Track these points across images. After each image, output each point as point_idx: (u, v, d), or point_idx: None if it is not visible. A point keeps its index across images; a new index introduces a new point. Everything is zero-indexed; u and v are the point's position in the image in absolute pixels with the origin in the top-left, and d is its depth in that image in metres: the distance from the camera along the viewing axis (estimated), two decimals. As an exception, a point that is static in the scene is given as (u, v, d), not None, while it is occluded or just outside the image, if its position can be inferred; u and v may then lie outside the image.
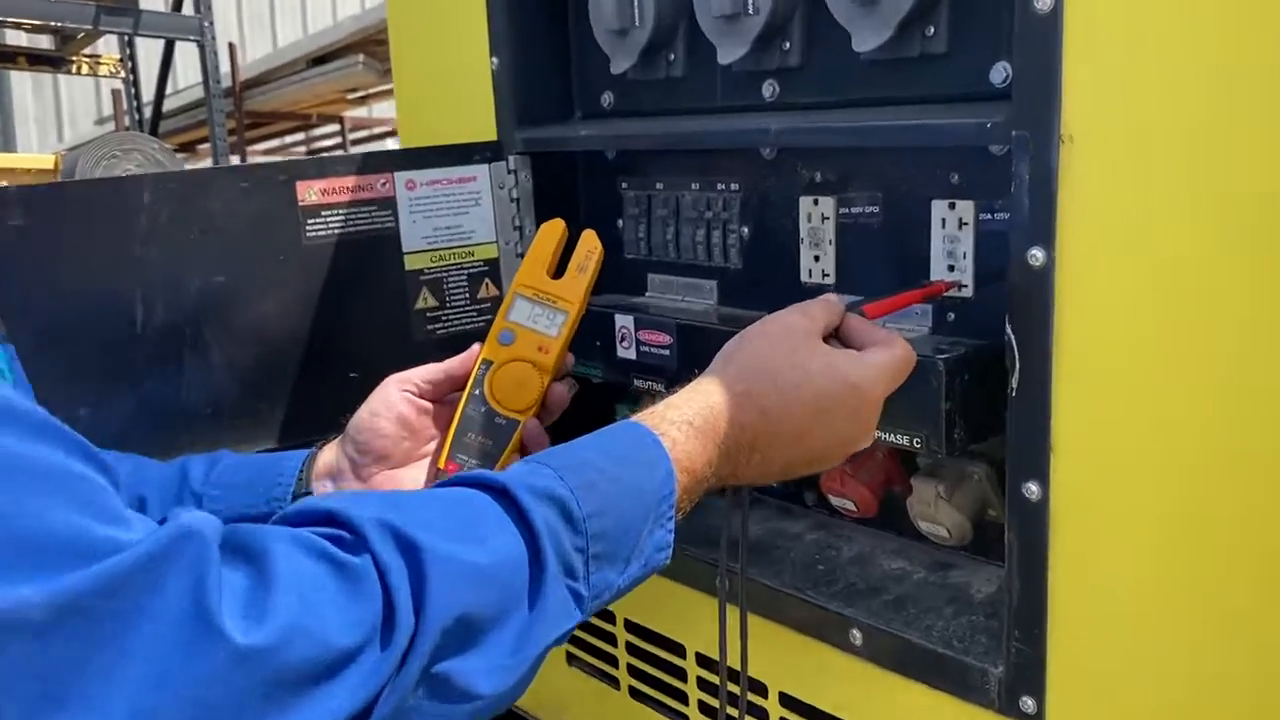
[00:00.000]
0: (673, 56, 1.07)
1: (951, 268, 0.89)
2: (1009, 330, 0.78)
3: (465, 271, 1.17)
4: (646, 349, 1.07)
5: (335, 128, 8.95)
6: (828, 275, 0.99)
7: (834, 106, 0.97)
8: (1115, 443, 0.74)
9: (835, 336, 0.78)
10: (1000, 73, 0.83)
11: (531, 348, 0.89)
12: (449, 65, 1.24)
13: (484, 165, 1.17)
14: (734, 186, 1.06)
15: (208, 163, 7.00)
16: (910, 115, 0.84)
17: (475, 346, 0.92)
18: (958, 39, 0.86)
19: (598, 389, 1.22)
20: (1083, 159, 0.72)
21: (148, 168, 4.80)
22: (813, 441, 0.71)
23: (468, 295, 1.17)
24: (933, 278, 0.90)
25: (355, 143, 8.70)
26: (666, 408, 0.69)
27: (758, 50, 0.97)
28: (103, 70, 6.60)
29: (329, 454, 0.89)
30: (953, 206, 0.88)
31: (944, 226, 0.89)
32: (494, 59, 1.16)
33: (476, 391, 0.89)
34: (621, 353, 1.10)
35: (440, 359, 0.92)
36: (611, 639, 1.21)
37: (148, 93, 6.34)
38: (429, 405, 0.91)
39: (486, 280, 1.19)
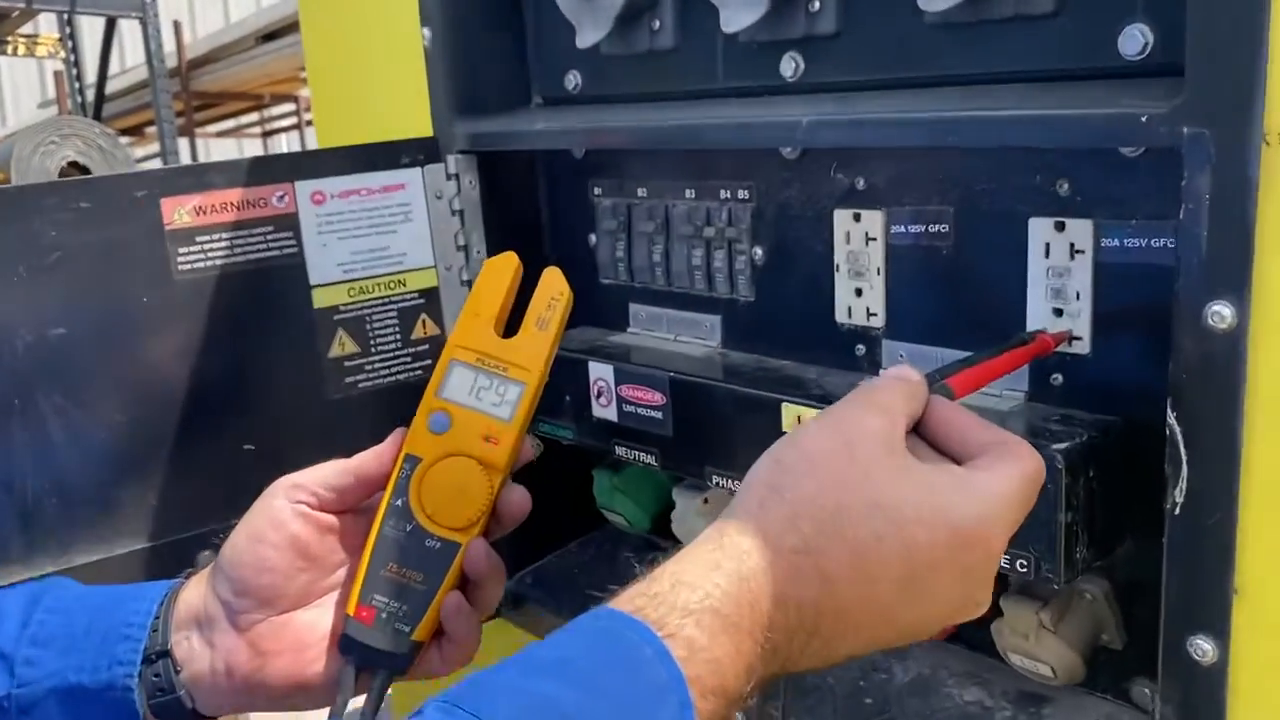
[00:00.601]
0: (658, 24, 0.81)
1: (1059, 312, 0.64)
2: (1172, 420, 0.53)
3: (394, 307, 0.91)
4: (632, 409, 0.82)
5: (290, 107, 8.60)
6: (874, 315, 0.74)
7: (880, 88, 0.71)
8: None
9: (917, 432, 0.52)
10: (1135, 40, 0.57)
11: (474, 437, 0.63)
12: (369, 41, 0.97)
13: (416, 169, 0.90)
14: (743, 194, 0.81)
15: (155, 147, 6.66)
16: (1010, 101, 0.58)
17: (397, 434, 0.66)
18: (1069, -9, 0.60)
19: (570, 451, 0.96)
20: (1302, 169, 0.47)
21: (88, 154, 4.49)
22: (902, 618, 0.48)
23: (398, 337, 0.91)
24: (1030, 327, 0.65)
25: (313, 123, 8.34)
26: (675, 584, 0.44)
27: (775, 13, 0.71)
28: (40, 51, 6.25)
29: (194, 592, 0.64)
30: (1061, 228, 0.63)
31: (1048, 255, 0.64)
32: (425, 31, 0.89)
33: (398, 502, 0.63)
34: (599, 411, 0.84)
35: (348, 453, 0.66)
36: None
37: (91, 74, 6.00)
38: (333, 520, 0.64)
39: (423, 317, 0.92)
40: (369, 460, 0.65)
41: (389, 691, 0.64)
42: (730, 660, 0.43)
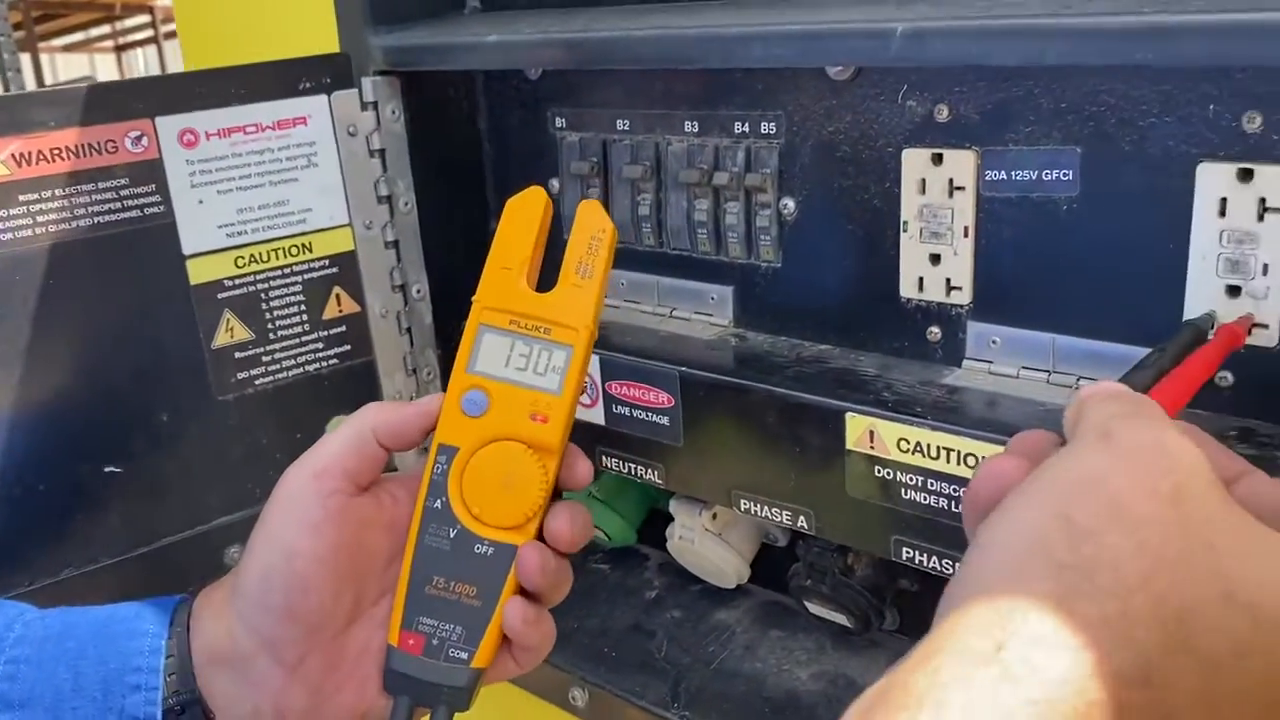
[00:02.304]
0: (649, -104, 0.60)
1: (1235, 290, 0.48)
2: None
3: (298, 279, 0.69)
4: (625, 410, 0.63)
5: (145, 19, 7.91)
6: (957, 289, 0.56)
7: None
8: None
9: None
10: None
11: (519, 415, 0.51)
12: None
13: (320, 97, 0.68)
14: (767, 128, 0.61)
15: (-9, 64, 5.99)
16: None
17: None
18: None
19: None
20: None
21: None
22: None
23: (305, 317, 0.70)
24: (1191, 308, 0.49)
25: (171, 36, 7.67)
26: None
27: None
28: None
29: (215, 625, 0.49)
30: (1248, 176, 0.46)
31: (1224, 214, 0.47)
32: (324, -93, 0.67)
33: (436, 504, 0.51)
34: (580, 412, 0.65)
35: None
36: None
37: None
38: (376, 500, 0.52)
39: (338, 290, 0.71)
40: (407, 416, 0.51)
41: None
42: None
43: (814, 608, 0.66)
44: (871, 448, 0.53)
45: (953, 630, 0.28)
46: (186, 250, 0.65)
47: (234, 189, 0.66)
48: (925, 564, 0.53)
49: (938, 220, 0.55)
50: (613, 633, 0.75)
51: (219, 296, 0.67)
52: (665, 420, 0.62)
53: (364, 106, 0.69)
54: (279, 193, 0.67)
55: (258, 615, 0.49)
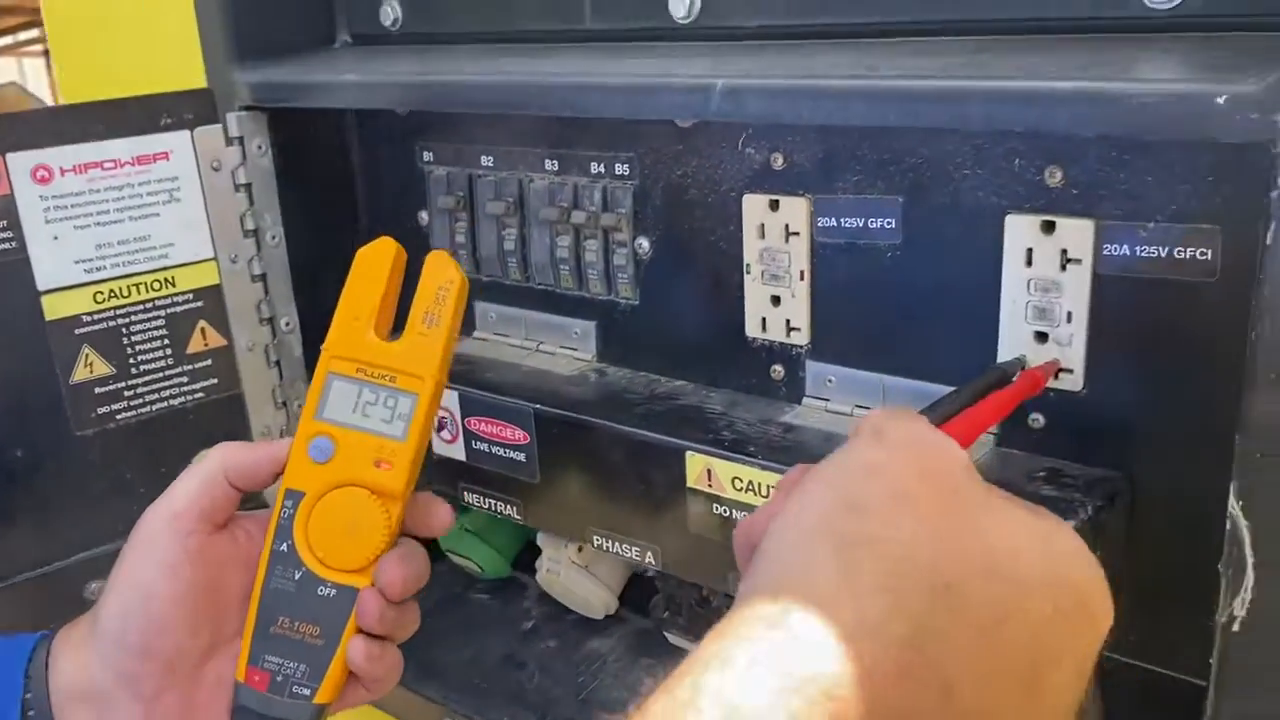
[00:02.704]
0: (503, -59, 0.61)
1: (1043, 337, 0.50)
2: (1235, 509, 0.39)
3: (161, 313, 0.69)
4: (484, 446, 0.64)
5: (76, 24, 7.76)
6: (796, 330, 0.58)
7: (800, 35, 0.54)
8: None
9: None
10: (1163, -20, 0.42)
11: (364, 462, 0.52)
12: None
13: (183, 132, 0.68)
14: (621, 169, 0.63)
15: (-89, 69, 5.84)
16: (1015, 65, 0.42)
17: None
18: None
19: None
20: None
21: None
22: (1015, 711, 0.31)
23: (169, 352, 0.70)
24: (1004, 354, 0.51)
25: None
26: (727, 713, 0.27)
27: (666, -70, 0.52)
28: None
29: (73, 663, 0.50)
30: (1050, 229, 0.48)
31: (1030, 263, 0.49)
32: (188, -58, 0.67)
33: (282, 547, 0.53)
34: (441, 448, 0.66)
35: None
36: None
37: None
38: (231, 536, 0.53)
39: (202, 324, 0.71)
40: (258, 458, 0.52)
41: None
42: None
43: (673, 638, 0.67)
44: (710, 485, 0.55)
45: (747, 600, 0.31)
46: (41, 286, 0.64)
47: (92, 224, 0.66)
48: (762, 599, 0.54)
49: (776, 263, 0.57)
50: (486, 664, 0.75)
51: (76, 332, 0.66)
52: (522, 457, 0.62)
53: (229, 142, 0.69)
54: (140, 228, 0.67)
55: (116, 653, 0.49)
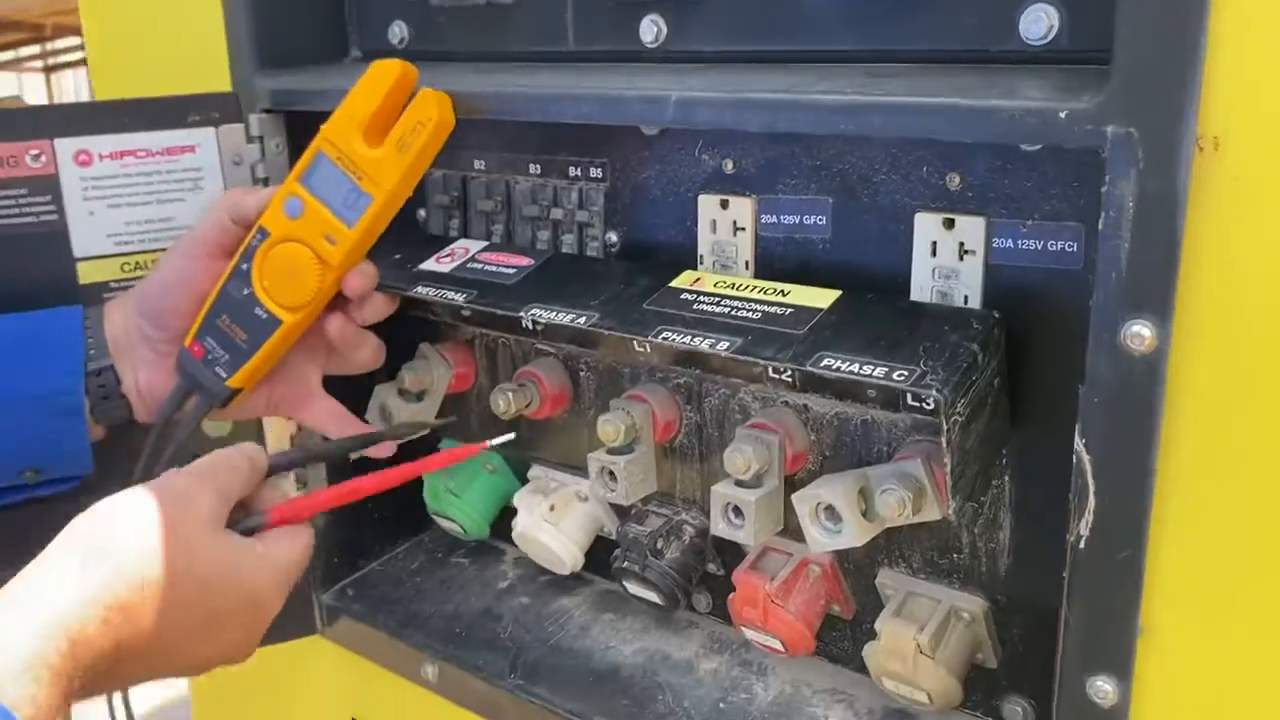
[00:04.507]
0: (499, -29, 0.70)
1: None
2: (1080, 446, 0.48)
3: (183, 288, 0.78)
4: (479, 266, 0.72)
5: (76, 40, 7.85)
6: (742, 313, 0.67)
7: (750, 60, 0.64)
8: (1246, 625, 0.46)
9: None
10: (1037, 24, 0.52)
11: (317, 231, 0.66)
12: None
13: (209, 129, 0.77)
14: (595, 173, 0.72)
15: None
16: (908, 86, 0.52)
17: (278, 189, 0.69)
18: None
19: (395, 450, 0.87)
20: (1234, 178, 0.42)
21: None
22: (188, 658, 0.55)
23: (189, 323, 0.78)
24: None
25: (100, 59, 7.63)
26: (26, 638, 0.47)
27: (637, -33, 0.62)
28: None
29: (117, 318, 0.70)
30: (950, 225, 0.58)
31: (935, 254, 0.58)
32: (221, -36, 0.76)
33: (244, 266, 0.69)
34: (432, 264, 0.73)
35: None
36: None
37: None
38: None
39: (220, 301, 0.79)
40: (245, 200, 0.69)
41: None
42: (55, 705, 0.46)
43: (631, 587, 0.75)
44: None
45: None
46: (77, 254, 0.73)
47: (123, 204, 0.74)
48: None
49: (726, 254, 0.66)
50: (465, 616, 0.83)
51: (104, 296, 0.75)
52: (512, 272, 0.71)
53: (250, 139, 0.78)
54: (165, 210, 0.76)
55: (144, 322, 0.69)
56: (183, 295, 0.69)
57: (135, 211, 0.75)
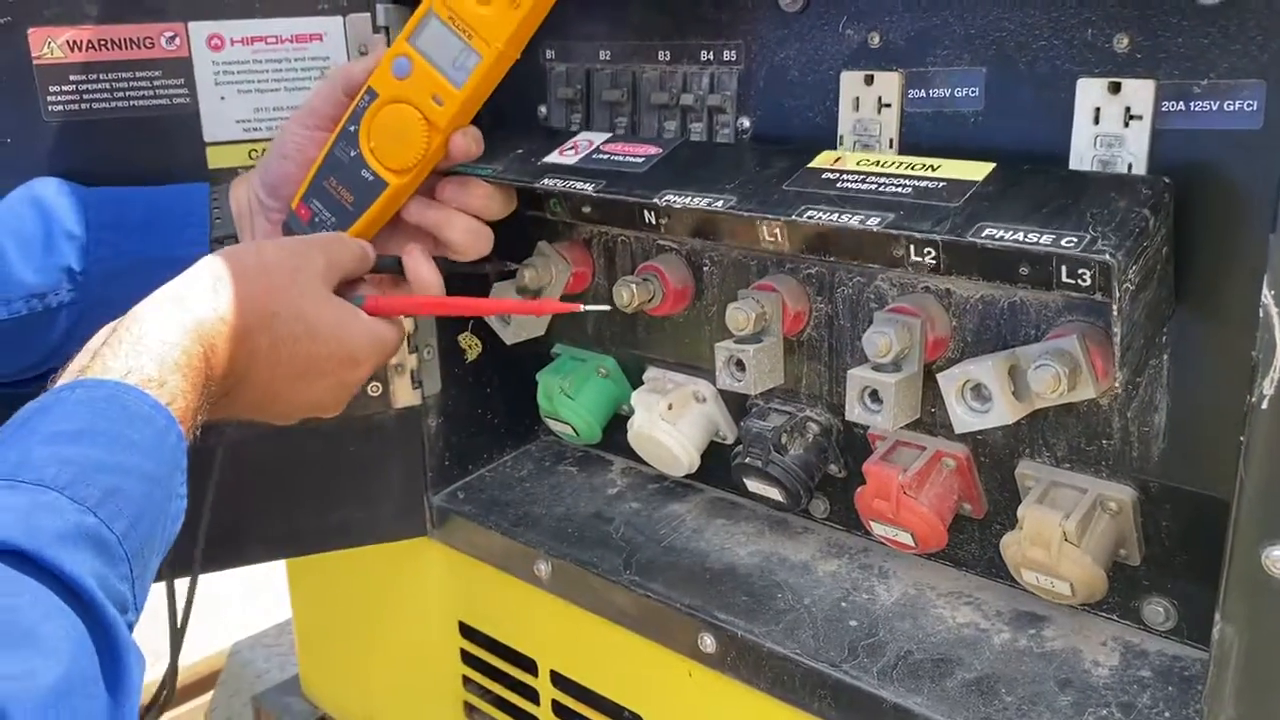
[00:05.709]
0: None
1: (1106, 188, 0.56)
2: (1268, 297, 0.46)
3: (307, 176, 0.78)
4: (604, 157, 0.71)
5: None
6: (881, 195, 0.65)
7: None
8: None
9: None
10: None
11: (425, 92, 0.66)
12: None
13: (336, 17, 0.77)
14: (728, 55, 0.70)
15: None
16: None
17: (379, 55, 0.70)
18: None
19: (505, 356, 0.87)
20: None
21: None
22: (288, 397, 0.60)
23: (312, 212, 0.78)
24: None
25: None
26: (158, 343, 0.51)
27: None
28: None
29: (241, 191, 0.72)
30: (1116, 89, 0.55)
31: (1097, 121, 0.56)
32: None
33: (351, 128, 0.69)
34: (556, 158, 0.72)
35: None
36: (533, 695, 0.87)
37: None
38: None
39: (341, 189, 0.80)
40: (355, 70, 0.70)
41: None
42: (192, 404, 0.52)
43: (751, 484, 0.74)
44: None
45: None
46: (207, 138, 0.74)
47: (253, 90, 0.74)
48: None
49: (869, 132, 0.64)
50: (576, 519, 0.83)
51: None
52: (640, 161, 0.70)
53: (376, 29, 0.78)
54: (292, 98, 0.76)
55: (262, 191, 0.71)
56: (295, 165, 0.70)
57: (264, 99, 0.75)
